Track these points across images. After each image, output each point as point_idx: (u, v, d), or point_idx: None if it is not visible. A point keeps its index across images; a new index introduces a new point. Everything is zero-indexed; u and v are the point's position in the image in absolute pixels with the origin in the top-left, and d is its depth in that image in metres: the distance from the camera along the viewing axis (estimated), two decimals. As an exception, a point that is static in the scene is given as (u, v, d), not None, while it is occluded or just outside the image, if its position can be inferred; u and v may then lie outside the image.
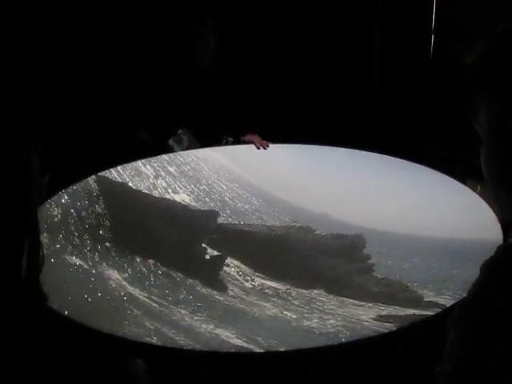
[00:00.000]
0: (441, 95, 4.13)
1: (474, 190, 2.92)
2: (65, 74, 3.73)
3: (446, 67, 4.16)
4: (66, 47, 3.67)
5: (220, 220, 3.13)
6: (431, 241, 2.84)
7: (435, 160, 3.43)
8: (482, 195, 2.77)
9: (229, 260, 2.85)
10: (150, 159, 3.26)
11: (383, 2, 4.41)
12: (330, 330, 2.24)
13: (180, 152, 3.44)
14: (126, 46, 3.93)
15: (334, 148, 3.42)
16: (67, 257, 2.51)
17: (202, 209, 3.18)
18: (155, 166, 3.27)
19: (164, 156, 3.34)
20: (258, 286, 2.69)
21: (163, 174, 3.24)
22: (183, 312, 2.36)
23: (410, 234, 2.93)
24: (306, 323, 2.33)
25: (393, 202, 3.10)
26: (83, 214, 2.82)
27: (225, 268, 2.80)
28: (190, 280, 2.64)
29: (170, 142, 3.49)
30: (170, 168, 3.28)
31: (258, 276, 2.75)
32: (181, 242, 2.93)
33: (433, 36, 4.25)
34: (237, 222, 3.14)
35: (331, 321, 2.33)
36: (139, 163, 3.20)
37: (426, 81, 4.27)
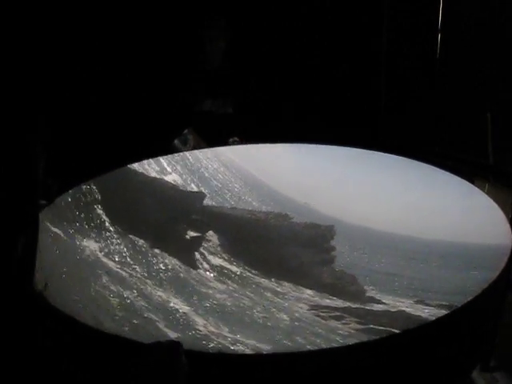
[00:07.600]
0: (448, 95, 4.12)
1: (482, 190, 2.90)
2: (80, 74, 3.75)
3: (453, 67, 4.15)
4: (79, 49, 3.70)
5: (205, 202, 3.17)
6: (428, 243, 2.83)
7: (442, 159, 3.41)
8: (490, 194, 2.75)
9: (206, 240, 2.92)
10: (155, 159, 3.25)
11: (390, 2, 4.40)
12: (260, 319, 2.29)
13: (186, 152, 3.44)
14: (137, 46, 3.93)
15: (341, 148, 3.40)
16: (49, 225, 2.54)
17: (191, 190, 3.23)
18: (161, 164, 3.27)
19: (170, 156, 3.33)
20: (218, 266, 2.76)
21: (169, 172, 3.25)
22: (150, 283, 2.45)
23: (400, 234, 2.94)
24: (251, 311, 2.37)
25: (397, 202, 3.09)
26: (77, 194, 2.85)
27: (201, 248, 2.87)
28: (167, 257, 2.71)
29: (176, 142, 3.50)
30: (175, 167, 3.28)
31: (224, 257, 2.83)
32: (164, 220, 2.98)
33: (439, 35, 4.24)
34: (221, 205, 3.20)
35: (273, 309, 2.39)
36: (145, 162, 3.20)
37: (434, 80, 4.26)
